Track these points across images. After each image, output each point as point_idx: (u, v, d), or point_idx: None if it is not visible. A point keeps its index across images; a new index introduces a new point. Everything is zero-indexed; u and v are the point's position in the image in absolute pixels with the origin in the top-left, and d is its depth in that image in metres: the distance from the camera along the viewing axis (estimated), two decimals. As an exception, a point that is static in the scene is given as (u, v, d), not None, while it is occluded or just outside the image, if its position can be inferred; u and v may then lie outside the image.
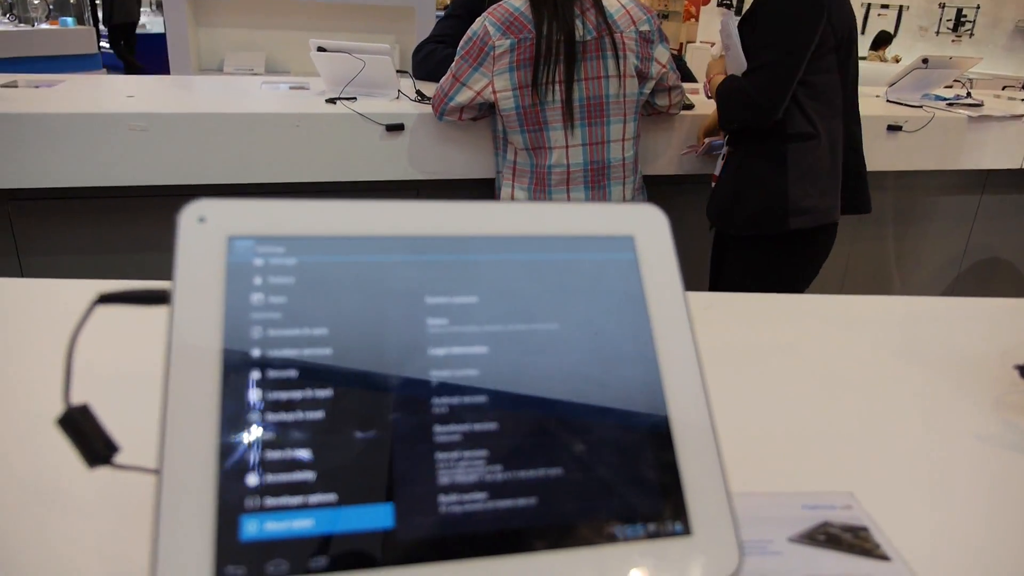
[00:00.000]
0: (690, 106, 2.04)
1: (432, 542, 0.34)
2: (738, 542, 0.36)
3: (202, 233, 0.37)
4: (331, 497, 0.34)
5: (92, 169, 1.77)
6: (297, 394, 0.35)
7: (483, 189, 1.97)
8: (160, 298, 0.36)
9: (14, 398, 0.57)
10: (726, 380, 0.69)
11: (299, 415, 0.35)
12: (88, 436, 0.35)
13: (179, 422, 0.33)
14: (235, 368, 0.35)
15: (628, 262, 0.42)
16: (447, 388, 0.37)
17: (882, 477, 0.56)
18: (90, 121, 1.74)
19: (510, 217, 0.41)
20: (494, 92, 1.66)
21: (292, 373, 0.35)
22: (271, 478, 0.33)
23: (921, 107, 2.40)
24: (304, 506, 0.33)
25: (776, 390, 0.69)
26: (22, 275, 1.95)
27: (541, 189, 1.72)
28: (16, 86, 2.05)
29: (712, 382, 0.67)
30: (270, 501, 0.33)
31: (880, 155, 2.26)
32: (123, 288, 0.37)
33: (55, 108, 1.75)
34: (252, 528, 0.33)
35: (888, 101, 2.49)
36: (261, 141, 1.83)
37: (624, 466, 0.37)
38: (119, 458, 0.36)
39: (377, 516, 0.34)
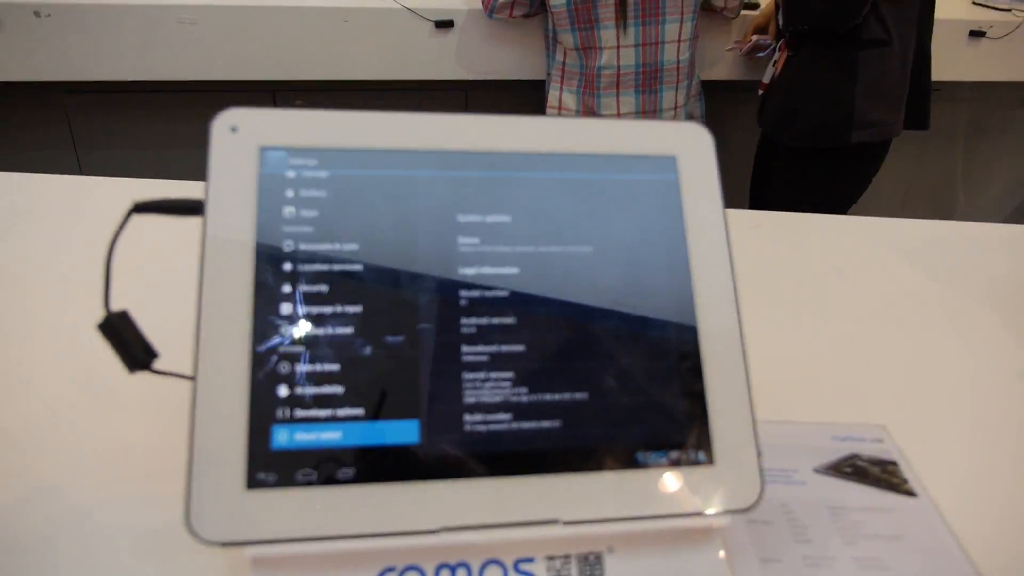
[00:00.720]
0: (753, 5, 1.92)
1: (456, 459, 0.35)
2: (760, 474, 0.36)
3: (234, 143, 0.36)
4: (359, 411, 0.35)
5: (142, 62, 1.78)
6: (327, 309, 0.35)
7: (533, 91, 1.92)
8: (193, 208, 0.36)
9: (58, 298, 0.59)
10: (768, 303, 0.67)
11: (329, 330, 0.35)
12: (128, 342, 0.36)
13: (213, 333, 0.34)
14: (267, 281, 0.35)
15: (669, 184, 0.40)
16: (476, 309, 0.37)
17: (918, 412, 0.55)
18: (141, 13, 1.72)
19: (548, 133, 0.40)
20: (545, -14, 1.59)
21: (323, 288, 0.36)
22: (301, 390, 0.34)
23: (1010, 11, 2.22)
24: (332, 419, 0.34)
25: (817, 316, 0.67)
26: (79, 167, 1.99)
27: (590, 92, 1.67)
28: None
29: (753, 305, 0.66)
30: (300, 413, 0.34)
31: (957, 64, 2.11)
32: (158, 198, 0.37)
33: (106, -1, 1.74)
34: (283, 438, 0.34)
35: (973, 3, 2.31)
36: (309, 36, 1.80)
37: (651, 393, 0.37)
38: (158, 364, 0.37)
39: (403, 431, 0.35)
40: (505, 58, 1.89)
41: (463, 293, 0.37)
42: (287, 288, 0.35)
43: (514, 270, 0.38)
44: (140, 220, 0.38)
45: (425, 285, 0.37)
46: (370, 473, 0.34)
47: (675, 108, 1.71)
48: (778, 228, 0.85)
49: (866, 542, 0.39)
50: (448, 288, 0.37)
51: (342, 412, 0.34)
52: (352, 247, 0.36)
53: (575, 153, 0.40)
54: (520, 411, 0.36)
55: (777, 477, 0.44)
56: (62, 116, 1.94)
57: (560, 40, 1.68)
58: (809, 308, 0.69)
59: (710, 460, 0.36)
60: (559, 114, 1.74)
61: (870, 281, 0.74)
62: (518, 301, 0.37)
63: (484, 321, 0.37)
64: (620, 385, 0.37)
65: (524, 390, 0.36)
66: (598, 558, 0.35)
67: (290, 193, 0.36)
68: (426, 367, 0.36)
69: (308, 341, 0.35)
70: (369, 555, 0.33)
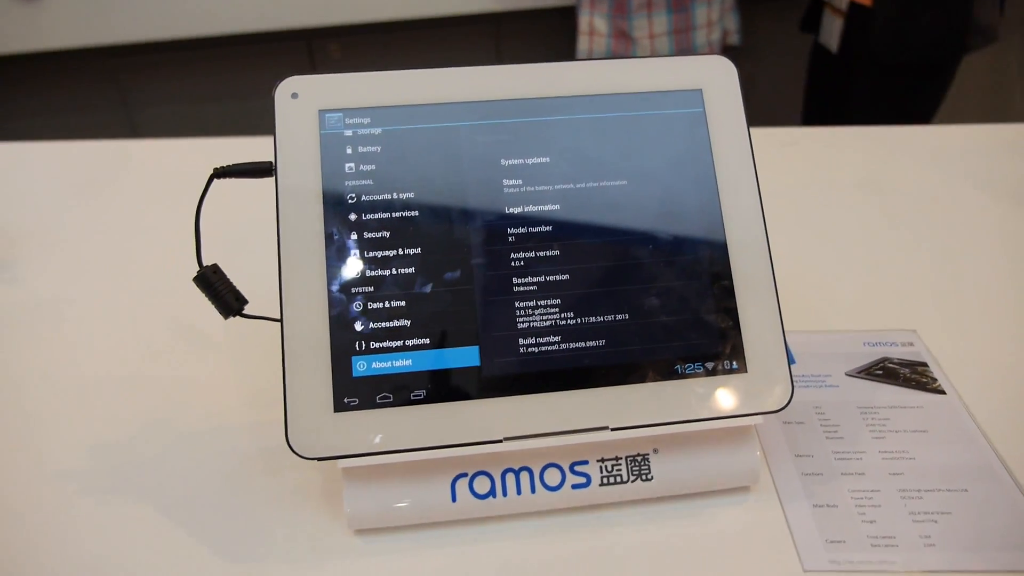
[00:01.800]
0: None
1: (513, 379, 0.39)
2: (791, 378, 0.40)
3: (296, 108, 0.40)
4: (425, 341, 0.39)
5: (181, 20, 1.81)
6: (390, 252, 0.40)
7: (563, 17, 1.90)
8: (266, 170, 0.41)
9: (153, 257, 0.65)
10: (804, 219, 0.70)
11: (393, 270, 0.39)
12: (221, 292, 0.41)
13: (293, 280, 0.38)
14: (335, 231, 0.39)
15: (696, 116, 0.43)
16: (523, 244, 0.40)
17: (950, 315, 0.57)
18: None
19: (580, 77, 0.42)
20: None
21: (385, 234, 0.40)
22: (373, 325, 0.39)
23: None
24: (403, 348, 0.39)
25: (854, 228, 0.69)
26: (133, 130, 2.06)
27: (621, 15, 1.64)
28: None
29: (788, 222, 0.68)
30: (375, 344, 0.39)
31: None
32: (234, 163, 0.41)
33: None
34: (362, 367, 0.38)
35: None
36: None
37: (687, 310, 0.41)
38: (248, 309, 0.42)
39: (465, 356, 0.39)
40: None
41: (510, 230, 0.41)
42: (354, 236, 0.40)
43: (555, 206, 0.41)
44: (218, 182, 0.42)
45: (476, 225, 0.40)
46: (439, 394, 0.38)
47: (708, 24, 1.67)
48: (814, 143, 0.86)
49: (894, 436, 0.43)
50: (496, 226, 0.41)
51: (411, 342, 0.39)
52: (408, 195, 0.40)
53: (605, 94, 0.42)
54: (568, 333, 0.40)
55: (810, 382, 0.48)
56: (109, 78, 2.00)
57: (589, -37, 1.65)
58: (844, 221, 0.71)
59: (743, 368, 0.40)
60: (590, 40, 1.72)
61: (905, 190, 0.75)
62: (560, 234, 0.41)
63: (531, 254, 0.41)
64: (658, 305, 0.41)
65: (570, 314, 0.40)
66: (645, 458, 0.39)
67: (349, 150, 0.40)
68: (481, 298, 0.40)
69: (376, 281, 0.39)
70: (444, 463, 0.39)
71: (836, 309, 0.58)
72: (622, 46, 1.68)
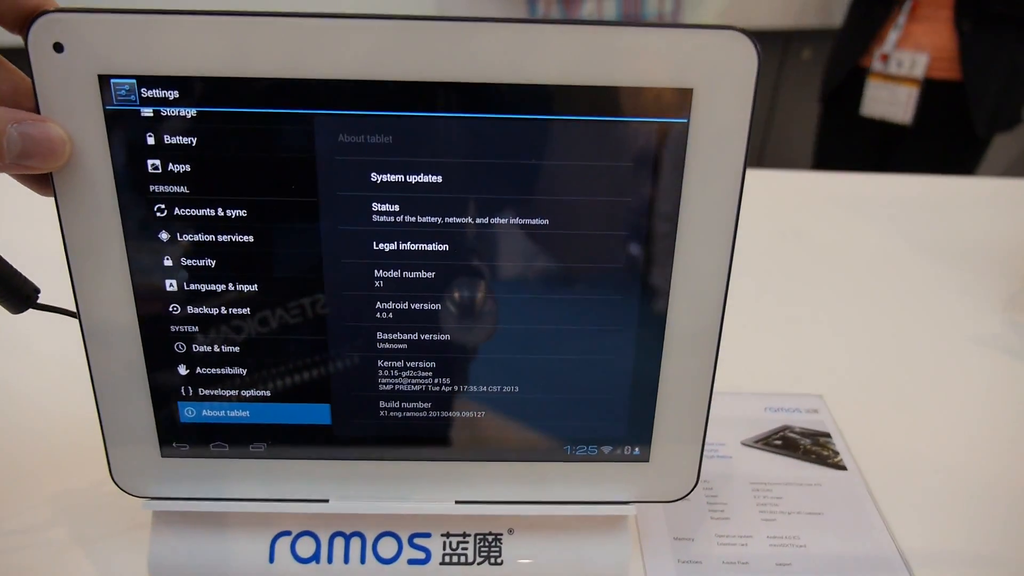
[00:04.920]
0: None
1: (370, 441, 0.33)
2: (698, 470, 0.33)
3: (63, 68, 0.27)
4: (264, 393, 0.32)
5: None
6: (217, 286, 0.30)
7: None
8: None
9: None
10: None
11: (222, 310, 0.30)
12: (7, 280, 0.32)
13: (94, 313, 0.30)
14: (143, 255, 0.29)
15: (673, 134, 0.28)
16: (393, 292, 0.31)
17: (861, 381, 0.51)
18: None
19: (510, 50, 0.27)
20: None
21: (209, 262, 0.30)
22: (201, 370, 0.32)
23: None
24: (238, 399, 0.32)
25: (771, 279, 0.65)
26: None
27: None
28: None
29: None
30: (204, 391, 0.32)
31: None
32: None
33: None
34: (190, 413, 0.32)
35: None
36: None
37: (592, 389, 0.32)
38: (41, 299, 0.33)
39: (314, 414, 0.33)
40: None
41: (378, 273, 0.30)
42: (168, 262, 0.30)
43: (443, 247, 0.30)
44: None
45: (331, 262, 0.30)
46: (281, 449, 0.33)
47: (659, 14, 1.61)
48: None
49: (785, 519, 0.38)
50: (358, 268, 0.30)
51: (247, 393, 0.32)
52: (239, 212, 0.29)
53: (541, 83, 0.28)
54: (440, 401, 0.33)
55: (702, 451, 0.41)
56: None
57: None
58: (766, 272, 0.66)
59: (645, 457, 0.33)
60: None
61: (833, 241, 0.71)
62: (445, 284, 0.31)
63: (403, 306, 0.31)
64: (559, 380, 0.32)
65: (446, 380, 0.32)
66: (497, 539, 0.35)
67: (151, 139, 0.28)
68: (336, 353, 0.32)
69: (199, 321, 0.31)
70: (267, 519, 0.34)
71: (739, 368, 0.50)
72: None
